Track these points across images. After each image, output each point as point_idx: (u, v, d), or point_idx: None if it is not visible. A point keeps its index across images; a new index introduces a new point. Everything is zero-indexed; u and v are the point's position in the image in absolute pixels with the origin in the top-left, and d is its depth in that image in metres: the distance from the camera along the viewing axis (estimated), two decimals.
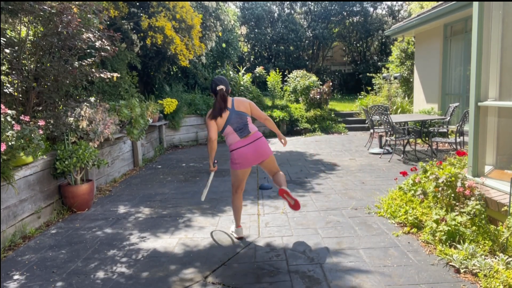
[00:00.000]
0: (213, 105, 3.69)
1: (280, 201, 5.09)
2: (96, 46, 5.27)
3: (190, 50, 8.27)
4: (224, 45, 12.99)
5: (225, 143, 3.86)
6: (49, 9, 4.58)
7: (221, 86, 3.68)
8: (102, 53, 5.20)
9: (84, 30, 5.08)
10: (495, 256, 3.12)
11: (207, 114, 3.71)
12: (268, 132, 11.90)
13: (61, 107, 5.24)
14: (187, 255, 3.55)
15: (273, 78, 13.25)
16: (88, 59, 5.13)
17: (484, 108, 4.03)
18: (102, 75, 5.24)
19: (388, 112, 8.34)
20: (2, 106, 3.79)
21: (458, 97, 9.18)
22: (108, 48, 5.26)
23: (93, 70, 5.25)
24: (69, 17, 4.65)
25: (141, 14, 7.59)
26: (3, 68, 4.79)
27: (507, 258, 2.99)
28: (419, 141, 8.96)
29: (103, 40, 5.26)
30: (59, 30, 4.65)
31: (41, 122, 4.30)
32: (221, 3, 10.39)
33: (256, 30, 21.58)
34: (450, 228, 3.44)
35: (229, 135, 3.73)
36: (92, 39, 5.07)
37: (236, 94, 11.63)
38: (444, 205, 3.90)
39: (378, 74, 14.40)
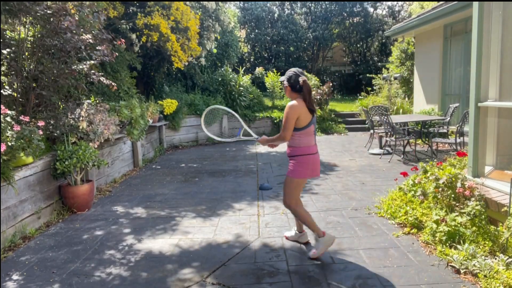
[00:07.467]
0: (305, 101, 3.23)
1: (280, 201, 5.09)
2: (96, 48, 5.25)
3: (186, 51, 8.21)
4: (224, 46, 13.01)
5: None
6: (45, 10, 4.57)
7: (304, 78, 3.25)
8: (103, 58, 5.17)
9: (82, 30, 5.06)
10: (495, 257, 3.12)
11: (292, 106, 3.19)
12: (268, 132, 11.90)
13: (61, 108, 5.23)
14: (186, 256, 3.55)
15: (271, 78, 13.26)
16: (88, 61, 5.12)
17: (484, 108, 4.03)
18: (102, 79, 5.23)
19: (388, 113, 8.34)
20: (2, 107, 3.79)
21: (458, 98, 9.18)
22: (108, 51, 5.24)
23: (92, 71, 5.24)
24: (68, 18, 4.63)
25: (138, 13, 7.56)
26: (3, 68, 4.79)
27: (507, 259, 2.99)
28: (419, 141, 8.96)
29: (103, 44, 5.23)
30: (57, 31, 4.64)
31: (41, 123, 4.30)
32: (220, 3, 10.37)
33: (256, 31, 21.58)
34: (450, 229, 3.44)
35: (306, 136, 3.28)
36: (92, 41, 5.06)
37: (235, 95, 11.64)
38: (444, 206, 3.90)
39: (378, 75, 14.40)
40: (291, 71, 3.33)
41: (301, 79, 3.23)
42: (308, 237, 3.80)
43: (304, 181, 3.42)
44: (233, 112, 3.93)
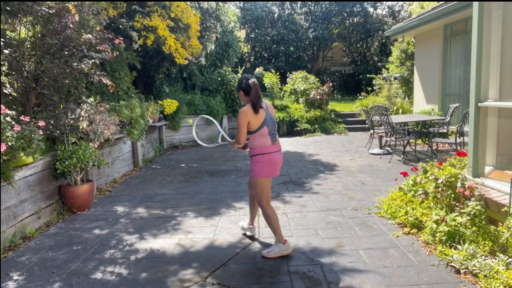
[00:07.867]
0: (251, 101, 3.37)
1: (280, 202, 5.09)
2: (97, 48, 5.25)
3: (187, 48, 8.20)
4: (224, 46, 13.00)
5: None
6: (47, 9, 4.57)
7: (254, 79, 3.42)
8: (103, 56, 5.17)
9: (83, 30, 5.06)
10: (495, 257, 3.12)
11: (242, 112, 3.36)
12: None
13: (61, 108, 5.23)
14: (186, 256, 3.55)
15: (269, 78, 13.25)
16: (88, 61, 5.12)
17: (484, 108, 4.03)
18: (102, 78, 5.22)
19: (388, 113, 8.34)
20: (2, 107, 3.79)
21: (458, 98, 9.18)
22: (108, 50, 5.24)
23: (92, 71, 5.23)
24: (69, 18, 4.63)
25: (138, 13, 7.54)
26: (3, 68, 4.79)
27: (507, 259, 2.99)
28: (419, 141, 8.96)
29: (103, 44, 5.23)
30: (58, 30, 4.64)
31: (41, 123, 4.30)
32: (221, 3, 10.37)
33: (256, 31, 21.59)
34: (450, 229, 3.44)
35: (260, 138, 3.42)
36: (93, 41, 5.06)
37: (236, 95, 11.63)
38: (444, 206, 3.90)
39: (378, 75, 14.40)
40: (242, 77, 3.50)
41: (250, 81, 3.39)
42: (257, 233, 3.97)
43: (268, 180, 3.48)
44: (211, 118, 4.23)
